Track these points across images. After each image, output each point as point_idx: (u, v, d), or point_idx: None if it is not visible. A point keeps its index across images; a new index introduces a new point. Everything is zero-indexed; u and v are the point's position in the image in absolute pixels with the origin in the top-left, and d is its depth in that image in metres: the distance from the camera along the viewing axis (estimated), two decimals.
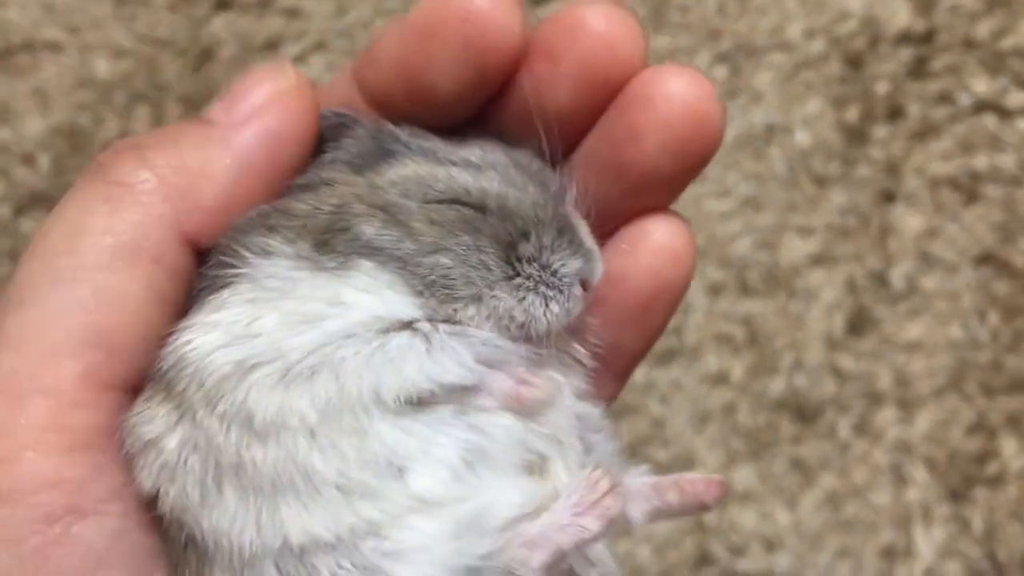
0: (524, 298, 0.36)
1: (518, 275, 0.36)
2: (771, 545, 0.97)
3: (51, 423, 0.33)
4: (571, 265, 0.37)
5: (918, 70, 1.06)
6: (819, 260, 1.02)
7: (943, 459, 0.98)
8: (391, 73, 0.38)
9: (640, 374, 1.00)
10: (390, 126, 0.39)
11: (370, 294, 0.35)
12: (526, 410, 0.36)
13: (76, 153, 1.09)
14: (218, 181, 0.35)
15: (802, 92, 1.06)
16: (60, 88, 1.11)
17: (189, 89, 1.10)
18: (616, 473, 0.35)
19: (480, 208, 0.37)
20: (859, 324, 1.01)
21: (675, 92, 0.37)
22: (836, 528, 0.97)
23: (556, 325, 0.37)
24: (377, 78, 0.39)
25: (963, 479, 0.97)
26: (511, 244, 0.36)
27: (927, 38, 1.06)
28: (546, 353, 0.37)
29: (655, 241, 0.39)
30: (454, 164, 0.37)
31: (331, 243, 0.35)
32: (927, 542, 0.96)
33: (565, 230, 0.37)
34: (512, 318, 0.36)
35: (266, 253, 0.35)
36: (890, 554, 0.96)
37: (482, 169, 0.37)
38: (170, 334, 0.35)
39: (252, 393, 0.33)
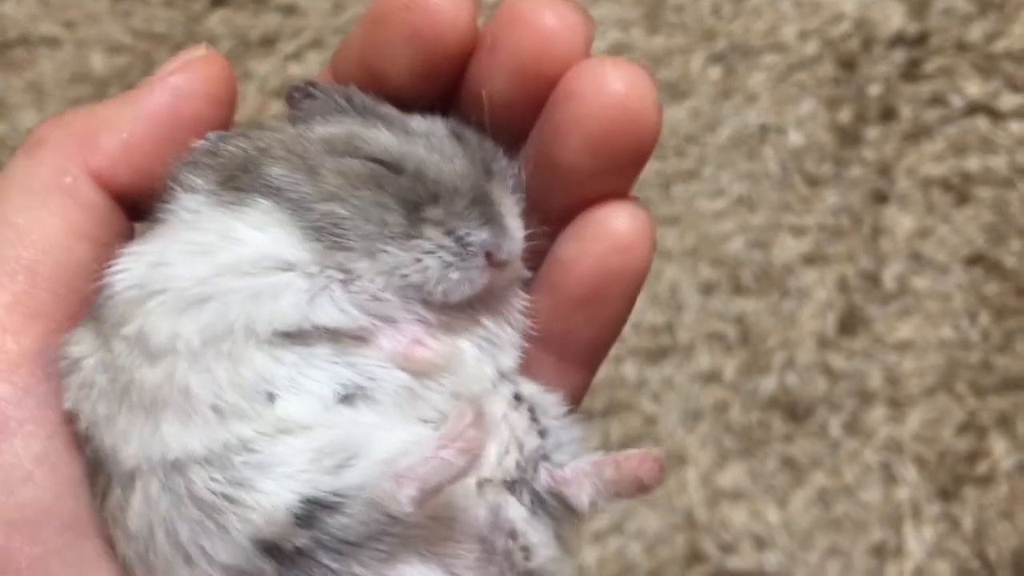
0: (420, 259, 0.36)
1: (420, 236, 0.36)
2: (762, 543, 0.97)
3: None
4: (478, 235, 0.36)
5: (911, 72, 1.06)
6: (811, 260, 1.02)
7: (933, 458, 0.98)
8: (354, 63, 0.40)
9: (632, 372, 1.00)
10: (352, 90, 0.40)
11: (261, 231, 0.36)
12: (415, 369, 0.36)
13: None
14: (121, 129, 0.38)
15: (796, 93, 1.06)
16: (56, 82, 1.11)
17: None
18: (481, 406, 0.35)
19: (396, 169, 0.37)
20: (851, 323, 1.01)
21: (601, 87, 0.36)
22: (826, 526, 0.97)
23: (457, 293, 0.36)
24: (346, 68, 0.41)
25: (953, 478, 0.97)
26: (418, 205, 0.36)
27: (920, 40, 1.06)
28: (463, 314, 0.37)
29: (604, 228, 0.38)
30: (389, 126, 0.38)
31: (236, 180, 0.37)
32: (917, 541, 0.96)
33: (481, 202, 0.37)
34: (405, 276, 0.36)
35: (190, 188, 0.37)
36: (880, 552, 0.96)
37: (413, 135, 0.38)
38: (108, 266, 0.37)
39: (149, 318, 0.35)
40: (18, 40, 1.12)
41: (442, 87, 0.40)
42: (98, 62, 1.11)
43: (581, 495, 0.38)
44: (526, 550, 0.38)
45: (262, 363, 0.35)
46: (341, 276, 0.36)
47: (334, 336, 0.36)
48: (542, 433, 0.39)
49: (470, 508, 0.37)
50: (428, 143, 0.38)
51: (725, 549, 0.97)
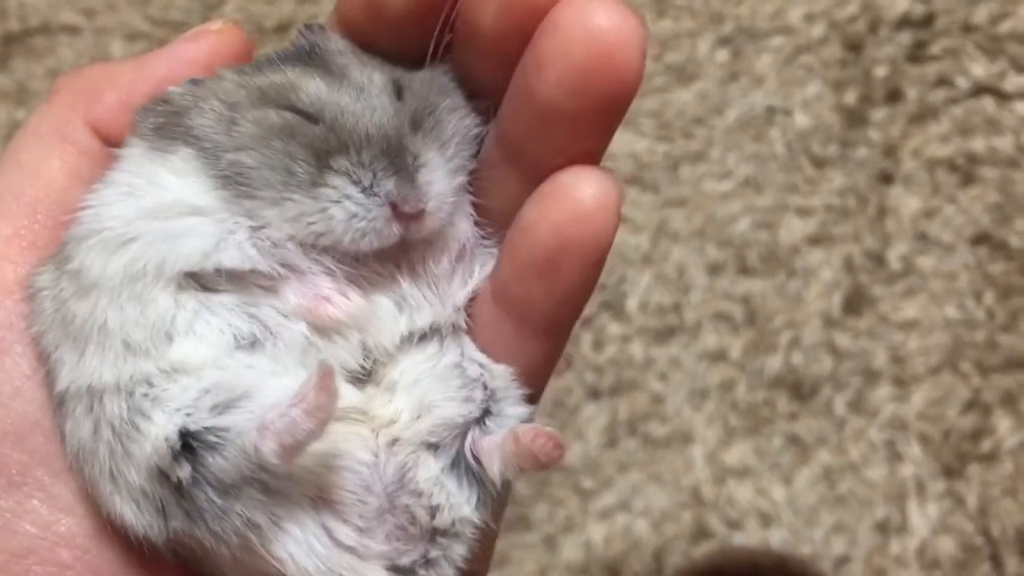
0: (326, 208, 0.36)
1: (325, 185, 0.36)
2: (767, 520, 0.97)
3: None
4: (383, 185, 0.36)
5: (917, 54, 1.05)
6: (817, 240, 1.02)
7: (938, 436, 0.97)
8: (356, 1, 0.40)
9: (639, 351, 1.00)
10: (320, 37, 0.40)
11: (179, 178, 0.37)
12: (320, 324, 0.37)
13: None
14: (121, 86, 0.40)
15: (802, 75, 1.05)
16: (76, 70, 1.12)
17: None
18: (331, 369, 0.34)
19: (313, 119, 0.37)
20: (856, 303, 1.00)
21: (586, 21, 0.34)
22: (832, 503, 0.97)
23: (363, 243, 0.36)
24: (347, 7, 0.40)
25: (957, 456, 0.97)
26: (327, 154, 0.36)
27: (926, 22, 1.05)
28: (380, 278, 0.38)
29: (566, 194, 0.36)
30: (325, 76, 0.38)
31: (167, 127, 0.38)
32: (922, 518, 0.96)
33: (393, 153, 0.36)
34: (311, 224, 0.36)
35: (139, 134, 0.39)
36: (884, 529, 0.96)
37: (346, 86, 0.38)
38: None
39: (88, 255, 0.37)
40: (39, 28, 1.13)
41: (434, 18, 0.38)
42: (117, 49, 1.12)
43: (492, 466, 0.38)
44: (431, 509, 0.38)
45: (165, 306, 0.36)
46: (250, 224, 0.37)
47: (242, 285, 0.37)
48: (489, 395, 0.39)
49: (374, 463, 0.37)
50: (356, 94, 0.38)
51: (731, 526, 0.97)
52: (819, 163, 1.03)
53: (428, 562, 0.38)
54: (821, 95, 1.04)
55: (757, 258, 1.01)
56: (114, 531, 0.38)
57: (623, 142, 1.04)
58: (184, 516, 0.36)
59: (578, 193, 0.36)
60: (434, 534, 0.38)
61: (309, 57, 0.39)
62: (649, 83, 1.06)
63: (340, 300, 0.37)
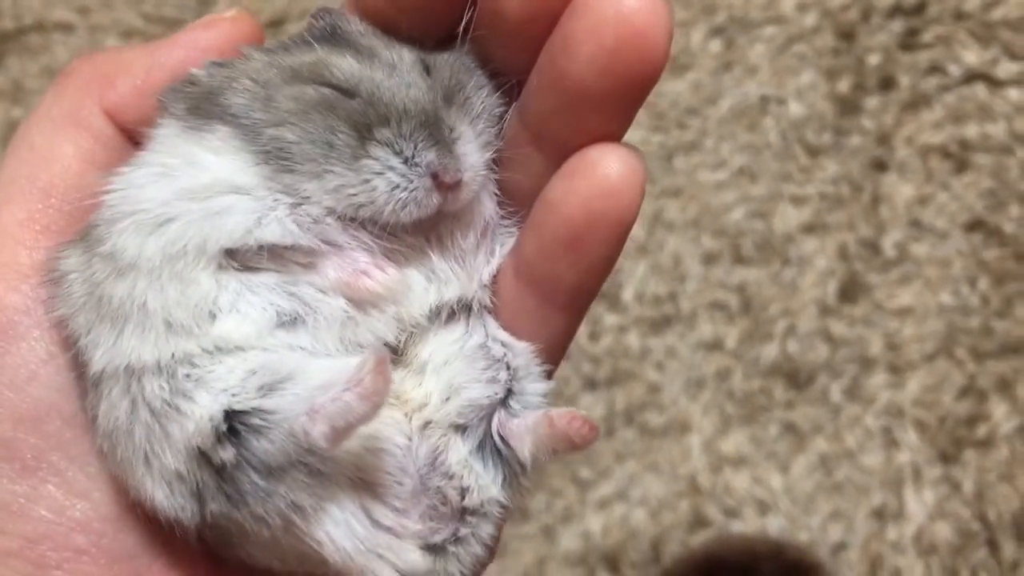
0: (369, 180, 0.36)
1: (368, 156, 0.36)
2: (764, 508, 0.97)
3: (8, 260, 0.39)
4: (424, 156, 0.36)
5: (909, 42, 1.04)
6: (812, 228, 1.01)
7: (934, 422, 0.97)
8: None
9: (636, 342, 1.00)
10: (341, 18, 0.40)
11: (218, 156, 0.37)
12: (359, 298, 0.37)
13: None
14: (137, 74, 0.40)
15: (795, 64, 1.05)
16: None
17: None
18: (386, 354, 0.35)
19: (350, 94, 0.37)
20: (851, 291, 1.00)
21: (615, 2, 0.34)
22: (828, 491, 0.97)
23: (405, 213, 0.36)
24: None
25: (953, 442, 0.97)
26: (368, 127, 0.36)
27: (918, 10, 1.05)
28: (411, 251, 0.38)
29: (593, 169, 0.36)
30: (356, 54, 0.38)
31: (201, 107, 0.38)
32: (918, 504, 0.96)
33: (431, 125, 0.37)
34: (353, 196, 0.36)
35: (166, 114, 0.39)
36: (881, 516, 0.96)
37: (377, 63, 0.38)
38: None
39: (120, 238, 0.36)
40: (33, 26, 1.12)
41: (458, 4, 0.39)
42: (111, 46, 1.11)
43: (523, 448, 0.39)
44: (461, 490, 0.39)
45: (207, 286, 0.36)
46: (289, 200, 0.36)
47: (281, 263, 0.37)
48: (511, 375, 0.40)
49: (408, 446, 0.38)
50: (389, 70, 0.38)
51: (729, 514, 0.97)
52: (813, 152, 1.03)
53: (458, 540, 0.39)
54: (814, 84, 1.04)
55: (752, 247, 1.01)
56: (133, 516, 0.38)
57: None
58: (225, 499, 0.36)
59: (606, 168, 0.36)
60: (463, 513, 0.39)
61: (333, 37, 0.39)
62: None
63: (378, 274, 0.37)
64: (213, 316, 0.36)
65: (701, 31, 1.06)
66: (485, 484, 0.39)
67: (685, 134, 1.04)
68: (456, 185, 0.37)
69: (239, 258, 0.37)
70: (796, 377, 0.98)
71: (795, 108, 1.03)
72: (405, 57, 0.39)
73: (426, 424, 0.38)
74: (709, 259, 1.01)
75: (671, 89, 1.05)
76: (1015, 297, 0.98)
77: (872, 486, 0.96)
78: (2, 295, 0.38)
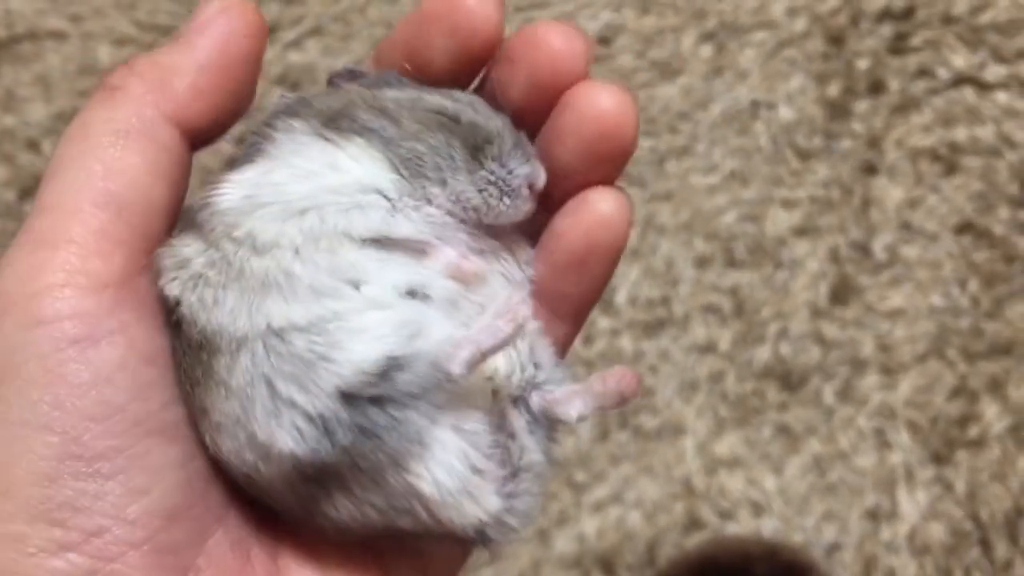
0: (484, 189, 0.44)
1: (481, 168, 0.44)
2: (759, 509, 0.97)
3: (77, 267, 0.39)
4: (522, 169, 0.44)
5: (898, 46, 1.05)
6: (803, 231, 1.01)
7: (926, 423, 0.97)
8: (399, 52, 0.47)
9: (629, 345, 1.00)
10: (392, 75, 0.47)
11: (358, 163, 0.43)
12: (463, 279, 0.43)
13: None
14: (185, 73, 0.42)
15: (786, 69, 1.05)
16: (63, 75, 1.11)
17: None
18: (521, 292, 0.44)
19: (455, 120, 0.45)
20: (843, 293, 1.00)
21: (592, 104, 0.44)
22: (822, 492, 0.97)
23: (507, 216, 0.45)
24: (389, 56, 0.47)
25: (945, 442, 0.97)
26: (477, 147, 0.44)
27: (907, 14, 1.05)
28: (491, 248, 0.45)
29: (591, 207, 0.45)
30: (440, 93, 0.46)
31: (336, 121, 0.44)
32: (911, 504, 0.96)
33: (521, 145, 0.45)
34: (469, 200, 0.44)
35: (289, 129, 0.44)
36: (875, 516, 0.96)
37: (460, 100, 0.45)
38: (201, 194, 0.43)
39: (258, 223, 0.41)
40: (25, 34, 1.12)
41: (473, 74, 0.47)
42: (104, 54, 1.11)
43: (570, 410, 0.45)
44: (521, 449, 0.44)
45: (354, 256, 0.42)
46: (413, 203, 0.43)
47: (404, 249, 0.43)
48: (536, 366, 0.46)
49: (489, 409, 0.43)
50: (473, 106, 0.45)
51: (723, 516, 0.97)
52: (804, 155, 1.03)
53: (516, 494, 0.44)
54: (804, 88, 1.04)
55: (744, 250, 1.01)
56: (187, 509, 0.41)
57: None
58: (356, 432, 0.40)
59: (602, 206, 0.45)
60: (519, 470, 0.44)
61: (400, 82, 0.46)
62: (634, 79, 1.06)
63: (477, 260, 0.44)
64: (358, 283, 0.41)
65: (692, 36, 1.06)
66: (534, 447, 0.45)
67: (677, 138, 1.04)
68: (539, 195, 0.45)
69: (373, 244, 0.42)
70: (789, 379, 0.99)
71: (785, 112, 1.04)
72: (474, 98, 0.46)
73: (496, 392, 0.44)
74: (701, 262, 1.01)
75: (662, 94, 1.05)
76: (1005, 298, 0.99)
77: (865, 487, 0.96)
78: (79, 302, 0.39)
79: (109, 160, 0.41)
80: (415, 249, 0.43)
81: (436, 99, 0.45)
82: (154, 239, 0.42)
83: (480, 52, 0.45)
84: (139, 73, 0.42)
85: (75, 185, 0.41)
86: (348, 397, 0.40)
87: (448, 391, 0.41)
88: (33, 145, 1.09)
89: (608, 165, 0.45)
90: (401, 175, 0.43)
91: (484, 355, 0.41)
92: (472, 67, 0.46)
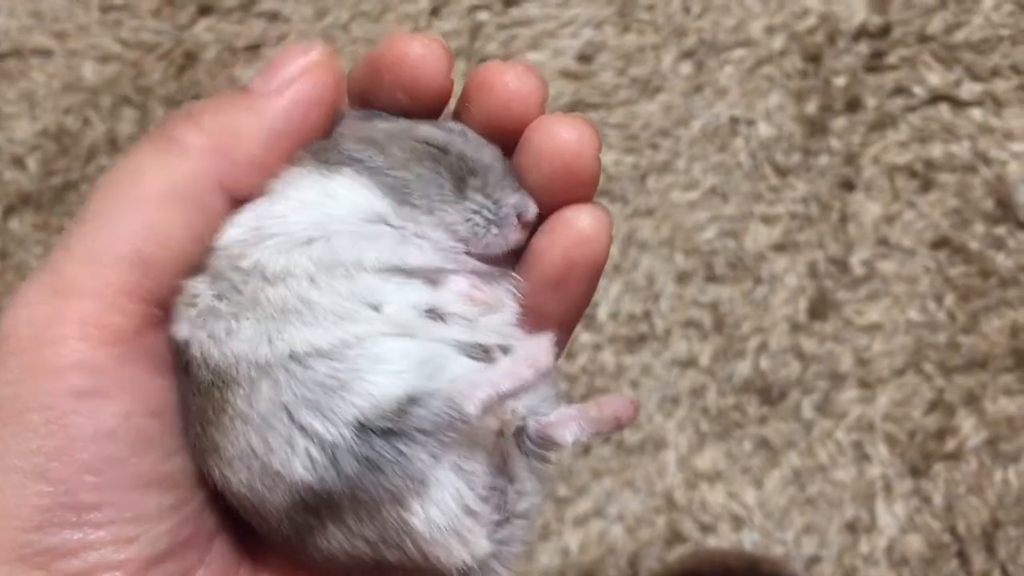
0: (470, 219, 0.44)
1: (467, 199, 0.44)
2: (739, 522, 0.97)
3: (93, 320, 0.39)
4: (510, 199, 0.44)
5: (875, 64, 1.05)
6: (782, 247, 1.02)
7: (904, 436, 0.98)
8: (357, 90, 0.46)
9: (611, 360, 1.00)
10: (379, 113, 0.46)
11: (351, 192, 0.43)
12: (477, 306, 0.43)
13: (64, 155, 1.09)
14: (252, 142, 0.42)
15: (764, 86, 1.06)
16: (48, 92, 1.11)
17: (173, 92, 1.09)
18: (547, 339, 0.42)
19: (444, 151, 0.44)
20: (821, 308, 1.01)
21: (549, 139, 0.43)
22: (802, 505, 0.97)
23: (495, 246, 0.44)
24: (351, 90, 0.46)
25: (923, 455, 0.97)
26: (463, 178, 0.44)
27: (883, 33, 1.06)
28: (494, 271, 0.45)
29: (570, 225, 0.44)
30: (431, 123, 0.46)
31: (324, 155, 0.43)
32: (890, 517, 0.96)
33: (508, 176, 0.45)
34: (456, 231, 0.43)
35: (283, 169, 0.43)
36: (854, 529, 0.96)
37: (452, 131, 0.45)
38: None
39: (265, 253, 0.41)
40: (10, 52, 1.12)
41: (434, 116, 0.47)
42: (89, 71, 1.11)
43: (565, 433, 0.44)
44: (519, 495, 0.44)
45: (373, 281, 0.41)
46: (414, 230, 0.43)
47: (417, 276, 0.43)
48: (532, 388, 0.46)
49: (491, 450, 0.43)
50: (464, 135, 0.45)
51: (704, 529, 0.97)
52: (782, 171, 1.03)
53: (503, 540, 0.44)
54: (783, 105, 1.05)
55: (724, 265, 1.02)
56: (167, 557, 0.40)
57: None
58: (360, 463, 0.40)
59: (579, 223, 0.44)
60: (512, 516, 0.44)
61: (390, 115, 0.46)
62: (615, 96, 1.06)
63: (487, 289, 0.44)
64: (379, 306, 0.41)
65: (672, 54, 1.07)
66: (532, 489, 0.45)
67: (657, 155, 1.05)
68: (529, 225, 0.45)
69: (388, 271, 0.42)
70: (769, 393, 0.99)
71: (764, 129, 1.04)
72: (465, 128, 0.46)
73: (499, 431, 0.44)
74: (682, 278, 1.02)
75: (643, 111, 1.06)
76: (981, 313, 0.99)
77: (844, 500, 0.97)
78: (90, 355, 0.39)
79: (153, 222, 0.40)
80: (427, 279, 0.43)
81: (425, 129, 0.45)
82: (178, 291, 0.41)
83: (431, 100, 0.45)
84: (204, 131, 0.41)
85: (110, 236, 0.40)
86: (362, 427, 0.40)
87: (460, 431, 0.40)
88: (18, 162, 1.08)
89: (573, 193, 0.44)
90: (391, 201, 0.43)
91: (502, 399, 0.40)
92: (428, 112, 0.46)
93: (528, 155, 0.44)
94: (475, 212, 0.44)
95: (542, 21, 1.09)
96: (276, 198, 0.42)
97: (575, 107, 1.05)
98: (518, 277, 0.46)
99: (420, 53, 0.43)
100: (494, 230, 0.44)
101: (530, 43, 1.08)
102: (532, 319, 0.45)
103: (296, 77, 0.42)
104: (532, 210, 0.44)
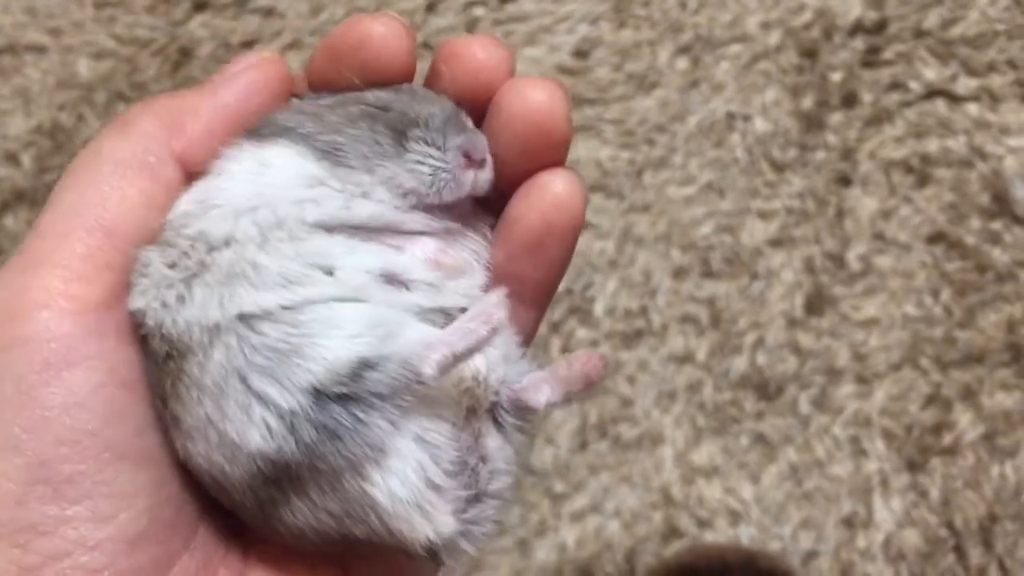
0: (412, 169, 0.43)
1: (408, 152, 0.43)
2: (736, 518, 0.97)
3: (60, 290, 0.39)
4: (453, 140, 0.43)
5: (871, 59, 1.05)
6: (779, 242, 1.02)
7: (901, 431, 0.97)
8: (317, 80, 0.46)
9: (608, 355, 0.99)
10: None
11: (286, 159, 0.42)
12: (443, 270, 0.43)
13: (58, 152, 1.08)
14: (202, 116, 0.43)
15: (760, 81, 1.05)
16: (43, 88, 1.10)
17: (168, 88, 1.08)
18: (498, 294, 0.41)
19: (384, 108, 0.44)
20: (818, 303, 1.00)
21: (519, 101, 0.43)
22: (799, 500, 0.97)
23: (450, 192, 0.44)
24: (312, 81, 0.47)
25: (920, 450, 0.97)
26: (403, 132, 0.43)
27: (879, 28, 1.06)
28: (457, 228, 0.45)
29: (546, 189, 0.44)
30: (380, 89, 0.45)
31: (258, 129, 0.44)
32: (887, 511, 0.96)
33: (453, 120, 0.44)
34: (400, 184, 0.43)
35: (234, 146, 0.43)
36: (851, 524, 0.96)
37: (399, 91, 0.45)
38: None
39: (209, 222, 0.41)
40: (5, 48, 1.11)
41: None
42: (83, 68, 1.10)
43: (539, 396, 0.44)
44: (491, 473, 0.43)
45: (322, 242, 0.41)
46: (358, 191, 0.43)
47: (380, 241, 0.43)
48: (505, 360, 0.45)
49: (461, 425, 0.42)
50: (411, 93, 0.45)
51: (701, 524, 0.97)
52: (779, 167, 1.03)
53: (473, 520, 0.43)
54: (779, 100, 1.05)
55: (721, 261, 1.01)
56: (152, 535, 0.40)
57: (587, 149, 1.04)
58: (319, 431, 0.39)
59: (555, 188, 0.44)
60: (483, 495, 0.43)
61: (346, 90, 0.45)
62: (611, 92, 1.06)
63: (452, 252, 0.44)
64: (330, 269, 0.41)
65: (668, 50, 1.07)
66: (506, 467, 0.44)
67: (654, 150, 1.04)
68: (483, 162, 0.44)
69: (337, 231, 0.42)
70: (765, 388, 0.99)
71: (761, 124, 1.04)
72: (418, 87, 0.45)
73: (472, 405, 0.43)
74: (679, 273, 1.01)
75: (639, 106, 1.05)
76: (977, 307, 0.99)
77: (841, 495, 0.96)
78: (56, 324, 0.39)
79: (108, 190, 0.41)
80: (388, 245, 0.43)
81: (370, 94, 0.44)
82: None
83: (395, 80, 0.45)
84: (154, 111, 0.43)
85: (71, 211, 0.41)
86: (318, 394, 0.39)
87: (417, 394, 0.40)
88: (12, 158, 1.08)
89: (546, 155, 0.44)
90: (327, 164, 0.43)
91: (458, 358, 0.40)
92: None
93: (499, 118, 0.44)
94: (417, 163, 0.43)
95: (538, 17, 1.09)
96: (216, 174, 0.43)
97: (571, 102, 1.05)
98: (489, 234, 0.46)
99: (382, 32, 0.44)
100: (443, 175, 0.43)
101: (526, 39, 1.08)
102: (511, 285, 0.45)
103: (243, 70, 0.44)
104: (480, 144, 0.44)
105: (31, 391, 0.38)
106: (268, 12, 1.10)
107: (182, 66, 1.09)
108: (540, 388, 0.44)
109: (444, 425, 0.41)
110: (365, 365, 0.39)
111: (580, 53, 1.07)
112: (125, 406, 0.40)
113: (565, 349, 0.99)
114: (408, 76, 0.45)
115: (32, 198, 1.07)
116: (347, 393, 0.39)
